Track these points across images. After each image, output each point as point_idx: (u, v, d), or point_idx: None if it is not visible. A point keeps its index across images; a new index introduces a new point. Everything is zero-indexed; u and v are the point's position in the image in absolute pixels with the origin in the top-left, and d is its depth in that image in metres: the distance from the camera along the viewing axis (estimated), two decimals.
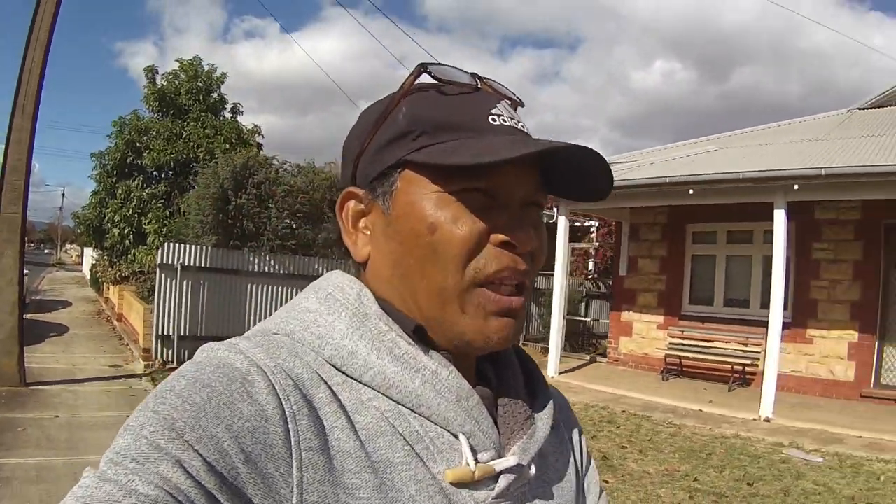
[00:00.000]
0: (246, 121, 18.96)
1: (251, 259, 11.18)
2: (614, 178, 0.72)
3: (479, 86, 0.72)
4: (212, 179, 11.21)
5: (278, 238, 11.49)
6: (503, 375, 0.78)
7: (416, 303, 0.69)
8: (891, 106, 13.18)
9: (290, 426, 0.57)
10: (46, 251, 77.94)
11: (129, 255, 16.96)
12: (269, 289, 11.25)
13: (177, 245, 10.69)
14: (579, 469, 0.87)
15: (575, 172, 0.72)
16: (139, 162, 17.17)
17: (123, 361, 10.56)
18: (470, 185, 0.66)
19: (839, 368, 10.29)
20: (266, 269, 11.31)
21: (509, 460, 0.69)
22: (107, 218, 17.59)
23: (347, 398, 0.64)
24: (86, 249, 33.59)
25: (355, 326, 0.67)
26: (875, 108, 13.39)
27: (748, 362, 10.83)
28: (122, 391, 8.48)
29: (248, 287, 11.03)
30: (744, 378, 10.88)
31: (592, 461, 0.92)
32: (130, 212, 17.03)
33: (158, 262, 10.38)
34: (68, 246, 74.46)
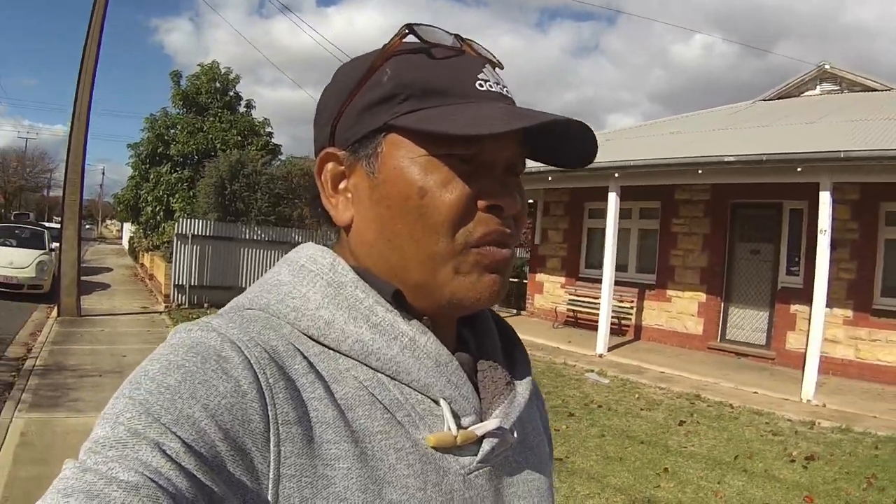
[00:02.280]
0: (285, 96, 23.24)
1: (243, 230, 15.30)
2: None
3: (463, 48, 0.71)
4: (214, 171, 15.50)
5: (262, 214, 15.64)
6: (482, 341, 0.80)
7: (404, 267, 0.69)
8: (792, 97, 14.96)
9: (266, 400, 0.58)
10: (87, 227, 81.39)
11: (160, 229, 21.02)
12: (256, 251, 15.30)
13: (189, 220, 14.98)
14: (545, 436, 0.91)
15: (559, 140, 0.72)
16: (167, 152, 21.15)
17: (150, 305, 14.69)
18: (458, 151, 0.66)
19: (690, 324, 12.73)
20: (254, 237, 15.38)
21: (491, 423, 0.70)
22: (141, 198, 21.84)
23: (325, 368, 0.65)
24: (125, 224, 38.34)
25: (330, 296, 0.68)
26: (779, 98, 15.20)
27: (623, 315, 13.45)
28: (147, 319, 12.67)
29: (241, 250, 15.12)
30: (620, 328, 13.42)
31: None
32: (161, 193, 21.11)
33: (175, 232, 14.68)
34: (108, 221, 78.78)
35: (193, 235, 14.55)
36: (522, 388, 0.77)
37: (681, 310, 12.98)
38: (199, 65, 22.78)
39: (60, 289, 12.32)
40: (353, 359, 0.67)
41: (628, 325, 13.67)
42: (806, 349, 10.12)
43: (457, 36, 0.72)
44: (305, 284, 0.69)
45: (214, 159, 16.47)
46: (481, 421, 0.70)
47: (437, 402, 0.68)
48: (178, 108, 22.04)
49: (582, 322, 14.12)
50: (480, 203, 0.68)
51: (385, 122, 0.68)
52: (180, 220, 15.06)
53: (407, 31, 0.69)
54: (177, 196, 20.69)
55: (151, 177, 21.41)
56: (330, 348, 0.67)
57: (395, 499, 0.63)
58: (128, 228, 34.33)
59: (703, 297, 12.65)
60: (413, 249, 0.68)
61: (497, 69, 0.74)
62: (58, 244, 13.55)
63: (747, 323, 12.21)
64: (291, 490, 0.58)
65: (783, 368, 10.82)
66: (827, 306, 10.40)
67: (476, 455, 0.69)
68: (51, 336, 10.14)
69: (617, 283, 13.17)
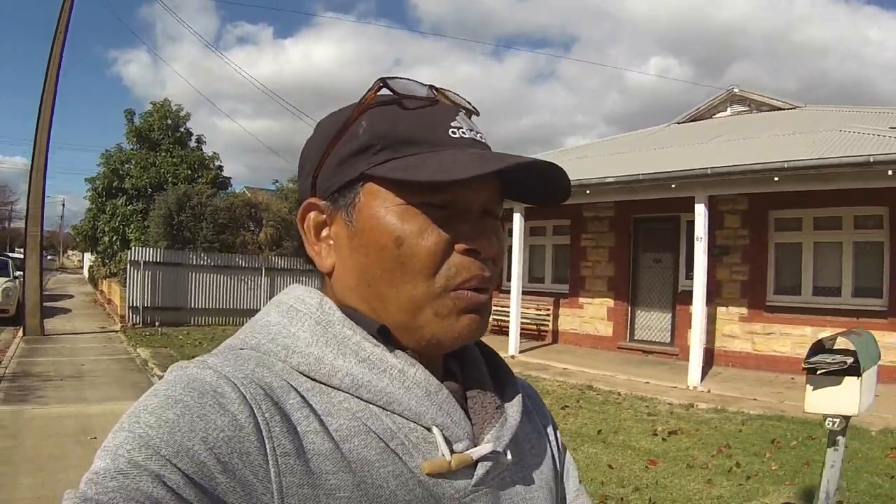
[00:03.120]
0: (240, 128, 24.67)
1: (190, 256, 17.03)
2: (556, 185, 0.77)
3: (437, 98, 0.75)
4: (163, 204, 17.23)
5: (207, 241, 17.31)
6: (469, 370, 0.82)
7: (385, 309, 0.72)
8: (704, 119, 16.27)
9: (263, 433, 0.60)
10: (49, 258, 79.81)
11: (117, 257, 22.24)
12: (202, 275, 17.06)
13: (141, 248, 16.66)
14: (555, 457, 0.92)
15: (534, 180, 0.76)
16: (122, 185, 22.55)
17: (108, 325, 16.28)
18: (433, 199, 0.70)
19: (601, 326, 14.04)
20: (200, 262, 17.11)
21: (484, 448, 0.72)
22: (99, 229, 23.19)
23: (318, 402, 0.67)
24: (85, 254, 39.63)
25: (319, 333, 0.70)
26: (692, 121, 16.44)
27: (540, 322, 14.91)
28: (105, 337, 14.22)
29: (188, 274, 16.86)
30: (539, 333, 14.90)
31: (568, 452, 0.97)
32: (117, 224, 22.43)
33: (129, 259, 16.32)
34: (70, 252, 79.45)
35: (145, 262, 16.23)
36: (513, 410, 0.80)
37: (592, 315, 14.29)
38: (151, 103, 24.28)
39: (25, 311, 13.81)
40: (344, 392, 0.68)
41: (546, 331, 15.01)
42: (690, 342, 11.06)
43: (431, 86, 0.75)
44: (295, 324, 0.71)
45: (164, 192, 18.15)
46: (474, 446, 0.72)
47: (429, 430, 0.70)
48: (132, 144, 23.42)
49: (504, 330, 14.78)
50: (458, 247, 0.71)
51: (361, 172, 0.71)
52: (133, 248, 16.83)
53: (381, 84, 0.73)
54: (132, 226, 21.98)
55: (108, 209, 22.77)
56: (321, 383, 0.68)
57: None
58: (88, 258, 35.66)
59: (611, 302, 13.97)
60: (393, 294, 0.71)
61: (473, 116, 0.78)
62: (21, 273, 15.03)
63: (653, 324, 13.42)
64: None
65: (684, 363, 11.23)
66: (723, 305, 12.00)
67: (471, 479, 0.71)
68: (18, 352, 11.58)
69: (534, 293, 14.78)
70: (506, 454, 0.75)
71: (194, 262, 17.01)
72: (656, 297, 13.37)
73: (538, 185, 0.77)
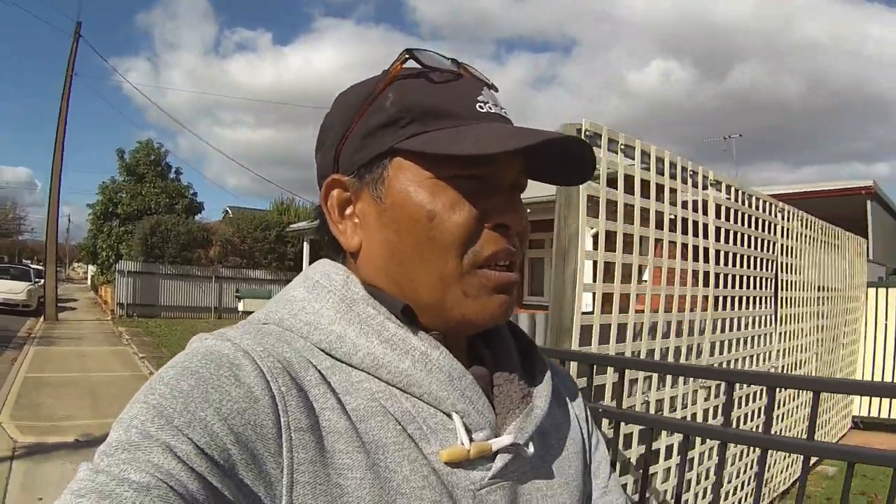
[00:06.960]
0: (242, 137, 33.15)
1: (160, 267, 24.71)
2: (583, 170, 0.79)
3: (460, 71, 0.75)
4: (140, 230, 24.87)
5: (172, 257, 24.93)
6: (498, 354, 0.82)
7: (414, 290, 0.73)
8: None
9: (279, 406, 0.61)
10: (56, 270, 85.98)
11: (112, 268, 29.16)
12: (168, 281, 24.82)
13: (126, 261, 24.43)
14: (586, 444, 0.91)
15: (558, 159, 0.77)
16: (116, 211, 29.62)
17: (102, 317, 24.04)
18: (465, 172, 0.71)
19: None
20: (167, 272, 24.83)
21: (505, 439, 0.72)
22: (98, 246, 30.52)
23: (337, 380, 0.68)
24: (88, 266, 47.67)
25: (343, 311, 0.71)
26: None
27: None
28: (99, 323, 21.90)
29: (159, 280, 24.60)
30: None
31: (601, 437, 0.97)
32: (112, 242, 29.43)
33: (116, 269, 24.09)
34: (76, 264, 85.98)
35: (129, 271, 23.92)
36: (540, 400, 0.79)
37: None
38: (137, 142, 31.63)
39: (45, 304, 21.31)
40: (364, 371, 0.69)
41: None
42: None
43: (454, 60, 0.76)
44: (319, 300, 0.73)
45: (141, 221, 25.74)
46: (496, 436, 0.72)
47: (449, 416, 0.70)
48: (123, 177, 30.47)
49: None
50: (487, 222, 0.72)
51: (390, 146, 0.71)
52: (119, 262, 24.62)
53: (407, 56, 0.74)
54: (124, 244, 28.61)
55: (105, 230, 29.75)
56: (342, 361, 0.69)
57: None
58: (90, 269, 43.75)
59: None
60: (423, 272, 0.72)
61: (493, 91, 0.78)
62: (39, 278, 22.53)
63: None
64: (305, 497, 0.60)
65: None
66: None
67: (489, 470, 0.71)
68: (41, 328, 18.99)
69: None
70: (527, 447, 0.75)
71: (163, 272, 24.56)
72: None
73: (562, 164, 0.79)
